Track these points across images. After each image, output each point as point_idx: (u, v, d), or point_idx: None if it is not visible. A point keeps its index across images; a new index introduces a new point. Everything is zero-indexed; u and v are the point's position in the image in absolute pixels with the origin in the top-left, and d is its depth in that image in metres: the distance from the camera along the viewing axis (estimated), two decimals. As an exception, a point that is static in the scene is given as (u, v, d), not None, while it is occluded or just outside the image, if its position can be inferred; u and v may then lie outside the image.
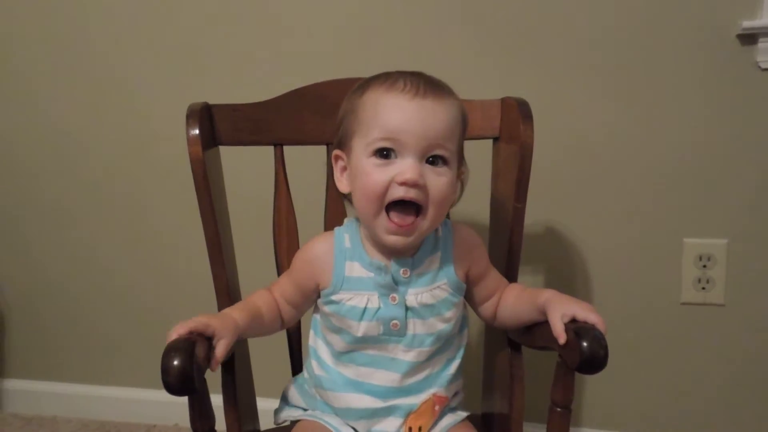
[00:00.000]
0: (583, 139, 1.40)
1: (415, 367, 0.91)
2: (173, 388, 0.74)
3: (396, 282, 0.89)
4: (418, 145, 0.83)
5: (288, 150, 1.10)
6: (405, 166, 0.83)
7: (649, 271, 1.42)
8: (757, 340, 1.40)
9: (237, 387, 0.99)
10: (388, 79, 0.87)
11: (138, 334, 1.71)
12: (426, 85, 0.85)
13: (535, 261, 1.45)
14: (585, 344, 0.78)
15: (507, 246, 1.03)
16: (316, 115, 1.08)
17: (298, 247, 1.09)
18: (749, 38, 1.29)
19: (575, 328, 0.81)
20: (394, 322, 0.89)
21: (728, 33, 1.30)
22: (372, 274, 0.90)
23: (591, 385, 1.48)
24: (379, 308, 0.89)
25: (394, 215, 0.84)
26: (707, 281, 1.40)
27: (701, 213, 1.38)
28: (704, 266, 1.39)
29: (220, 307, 1.01)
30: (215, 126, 1.04)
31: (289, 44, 1.47)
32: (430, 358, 0.92)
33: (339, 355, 0.93)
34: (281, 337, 1.13)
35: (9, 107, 1.66)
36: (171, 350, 0.75)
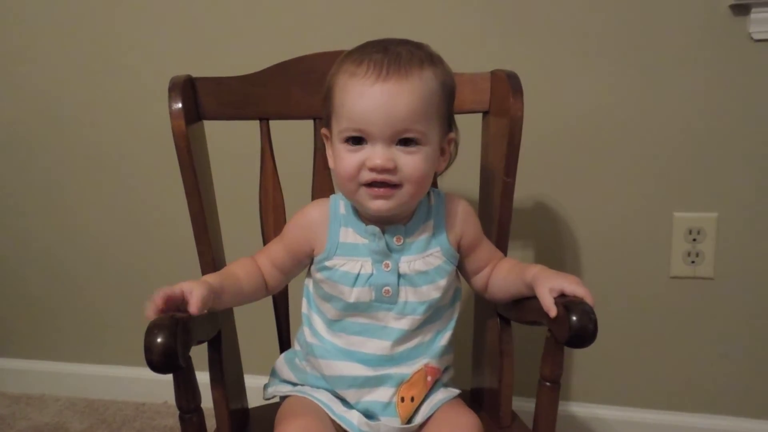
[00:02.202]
0: (572, 112, 1.38)
1: (406, 335, 0.92)
2: (157, 366, 0.74)
3: (390, 249, 0.90)
4: (384, 132, 0.84)
5: (274, 124, 1.08)
6: (373, 152, 0.85)
7: (639, 245, 1.42)
8: (746, 313, 1.40)
9: (224, 364, 0.98)
10: (356, 59, 0.86)
11: (126, 312, 1.70)
12: (390, 65, 0.84)
13: (525, 236, 1.45)
14: (574, 318, 0.78)
15: (496, 221, 1.03)
16: (302, 89, 1.06)
17: (284, 223, 1.08)
18: (742, 9, 1.27)
19: (564, 302, 0.81)
20: (386, 288, 0.90)
21: (721, 3, 1.28)
22: (366, 241, 0.91)
23: (579, 360, 1.49)
24: (372, 274, 0.90)
25: (372, 188, 0.87)
26: (696, 255, 1.40)
27: (691, 187, 1.38)
28: (694, 240, 1.39)
29: (206, 284, 1.00)
30: (199, 100, 1.02)
31: (275, 15, 1.45)
32: (422, 326, 0.93)
33: (331, 324, 0.93)
34: (269, 313, 1.12)
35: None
36: (154, 327, 0.74)
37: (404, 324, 0.91)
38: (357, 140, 0.86)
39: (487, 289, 1.00)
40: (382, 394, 0.91)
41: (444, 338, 0.95)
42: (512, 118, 0.98)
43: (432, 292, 0.92)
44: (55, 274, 1.72)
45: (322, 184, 1.10)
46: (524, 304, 0.94)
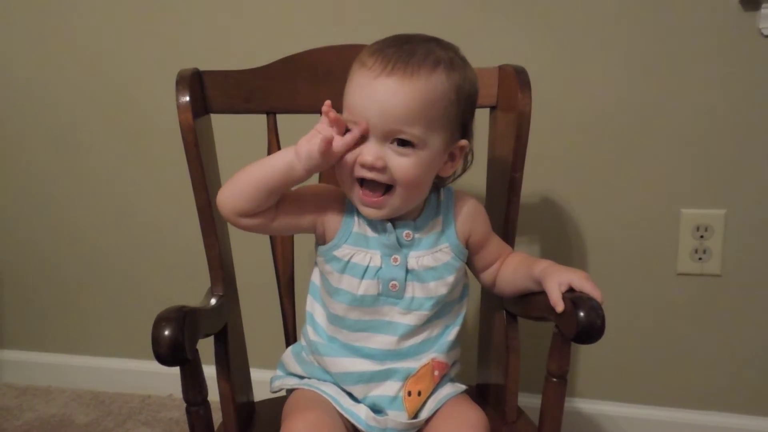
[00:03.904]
0: (580, 108, 1.38)
1: (413, 331, 0.91)
2: (165, 359, 0.74)
3: (400, 244, 0.90)
4: (377, 128, 0.83)
5: (281, 118, 1.08)
6: (366, 148, 0.83)
7: (646, 241, 1.41)
8: (753, 310, 1.40)
9: (230, 358, 0.99)
10: (372, 50, 0.85)
11: (132, 305, 1.70)
12: (398, 61, 0.82)
13: (531, 231, 1.44)
14: (582, 314, 0.78)
15: (503, 216, 1.03)
16: (309, 83, 1.06)
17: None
18: (752, 4, 1.26)
19: (572, 297, 0.81)
20: (393, 282, 0.89)
21: (730, -1, 1.28)
22: (376, 234, 0.90)
23: (586, 356, 1.49)
24: (380, 268, 0.89)
25: (365, 189, 0.86)
26: (704, 252, 1.39)
27: (699, 183, 1.37)
28: (701, 237, 1.38)
29: (213, 279, 1.00)
30: (206, 93, 1.02)
31: (283, 9, 1.45)
32: (428, 322, 0.92)
33: (335, 320, 0.93)
34: (275, 307, 1.12)
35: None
36: (161, 320, 0.74)
37: (410, 319, 0.91)
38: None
39: (496, 284, 0.99)
40: (389, 388, 0.91)
41: (452, 333, 0.95)
42: (520, 113, 0.98)
43: (440, 288, 0.91)
44: (61, 267, 1.73)
45: (330, 179, 1.09)
46: (531, 300, 0.94)
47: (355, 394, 0.92)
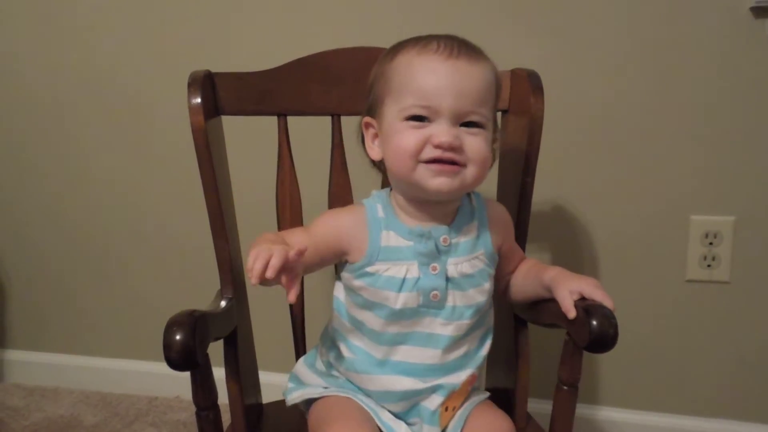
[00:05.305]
0: (590, 113, 1.37)
1: (455, 342, 0.88)
2: (176, 363, 0.74)
3: (438, 250, 0.87)
4: (452, 109, 0.81)
5: (292, 120, 1.08)
6: (440, 130, 0.81)
7: (655, 247, 1.41)
8: (762, 318, 1.39)
9: (239, 361, 0.98)
10: (419, 41, 0.85)
11: (140, 307, 1.70)
12: (460, 46, 0.83)
13: (541, 237, 1.44)
14: (595, 323, 0.77)
15: (514, 221, 1.02)
16: (320, 85, 1.05)
17: (301, 221, 1.08)
18: (762, 11, 1.26)
19: (584, 306, 0.81)
20: (435, 292, 0.86)
21: (741, 6, 1.27)
22: (411, 243, 0.86)
23: (594, 363, 1.48)
24: (419, 278, 0.85)
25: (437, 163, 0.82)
26: (713, 258, 1.38)
27: (709, 190, 1.36)
28: (710, 243, 1.38)
29: (223, 282, 1.00)
30: (218, 95, 1.02)
31: (294, 11, 1.45)
32: (468, 333, 0.89)
33: (372, 335, 0.88)
34: (284, 311, 1.12)
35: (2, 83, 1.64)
36: (173, 325, 0.74)
37: (452, 330, 0.87)
38: (420, 119, 0.82)
39: (507, 290, 0.99)
40: (431, 402, 0.88)
41: (486, 346, 0.93)
42: (532, 117, 0.97)
43: (478, 295, 0.89)
44: (68, 268, 1.73)
45: (340, 181, 1.09)
46: (542, 306, 0.93)
47: (396, 410, 0.89)
